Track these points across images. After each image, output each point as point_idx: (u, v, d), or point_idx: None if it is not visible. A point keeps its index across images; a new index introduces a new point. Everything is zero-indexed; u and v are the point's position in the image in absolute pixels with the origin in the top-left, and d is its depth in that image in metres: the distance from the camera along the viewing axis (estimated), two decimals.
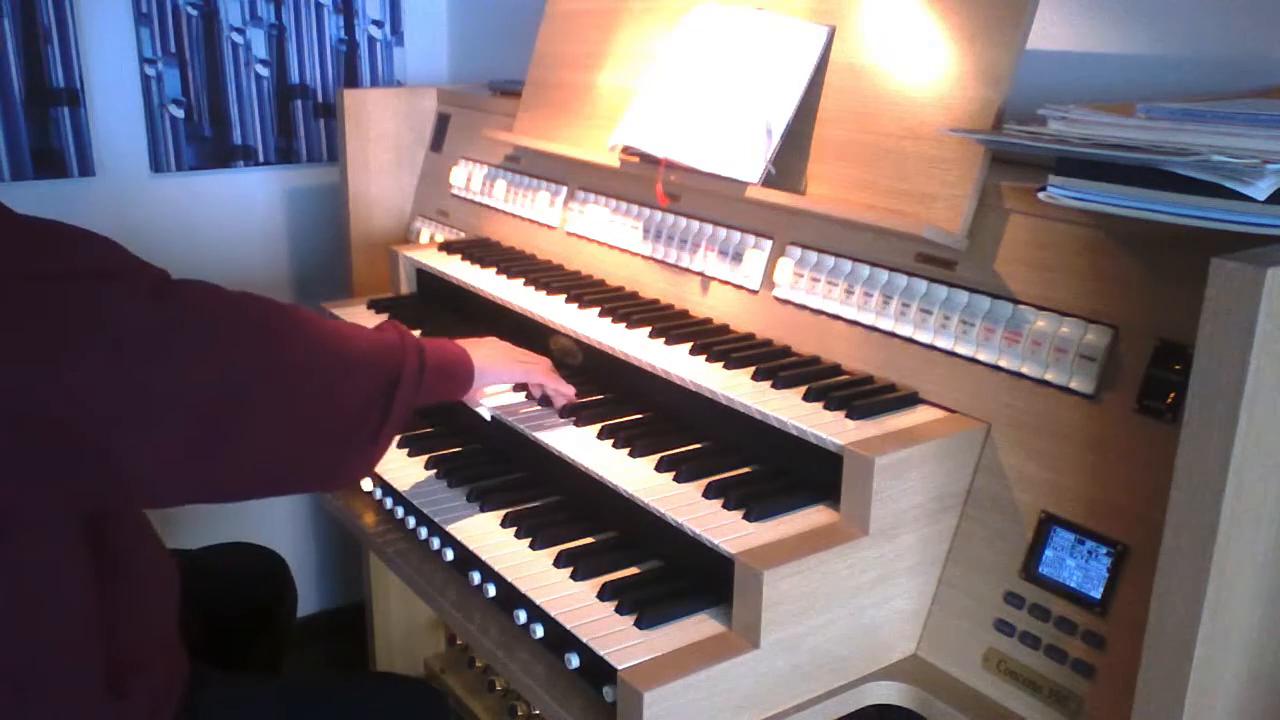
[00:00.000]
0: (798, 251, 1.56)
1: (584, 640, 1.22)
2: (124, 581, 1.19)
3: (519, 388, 1.63)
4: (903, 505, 1.26)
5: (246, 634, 1.69)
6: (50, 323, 0.98)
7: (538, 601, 1.31)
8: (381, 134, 2.48)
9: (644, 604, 1.26)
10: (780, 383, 1.42)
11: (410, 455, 1.73)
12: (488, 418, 1.51)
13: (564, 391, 1.57)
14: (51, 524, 1.10)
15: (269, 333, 1.14)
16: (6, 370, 0.96)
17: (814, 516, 1.29)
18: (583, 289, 1.83)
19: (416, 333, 1.91)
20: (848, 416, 1.33)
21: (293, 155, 2.70)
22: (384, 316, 2.05)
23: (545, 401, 1.60)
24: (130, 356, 1.01)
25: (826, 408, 1.35)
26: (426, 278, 2.15)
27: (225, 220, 2.66)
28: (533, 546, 1.43)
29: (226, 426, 1.08)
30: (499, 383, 1.52)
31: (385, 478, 1.66)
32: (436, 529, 1.52)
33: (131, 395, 1.01)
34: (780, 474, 1.39)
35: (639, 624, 1.24)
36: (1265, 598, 1.06)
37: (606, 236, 1.91)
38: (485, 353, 1.49)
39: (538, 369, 1.55)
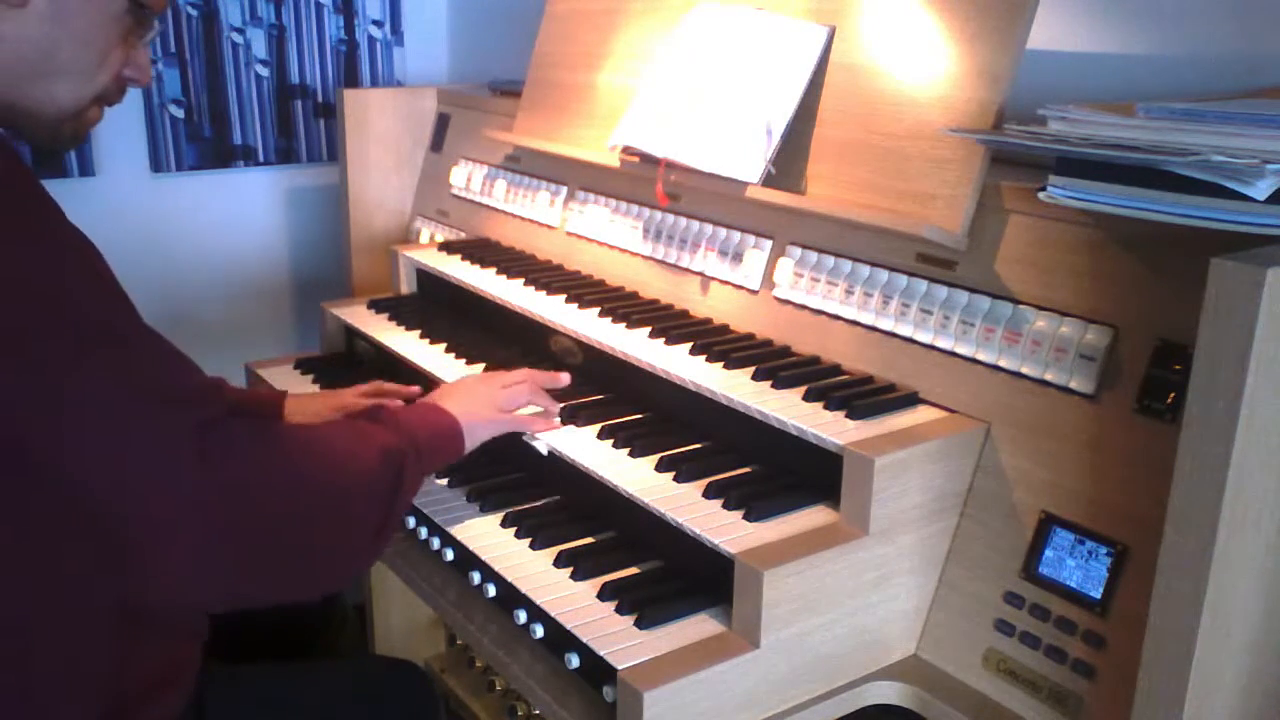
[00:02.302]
0: (798, 251, 1.56)
1: (584, 640, 1.22)
2: (143, 639, 1.20)
3: None
4: (903, 505, 1.26)
5: (295, 646, 1.69)
6: (92, 427, 1.00)
7: (538, 601, 1.31)
8: (381, 134, 2.48)
9: (644, 604, 1.26)
10: (780, 383, 1.42)
11: None
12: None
13: (559, 381, 1.56)
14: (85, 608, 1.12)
15: (296, 484, 1.17)
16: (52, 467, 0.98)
17: (814, 516, 1.29)
18: (583, 289, 1.83)
19: (422, 343, 1.90)
20: (848, 416, 1.33)
21: (293, 155, 2.70)
22: (384, 317, 2.05)
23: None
24: (163, 497, 1.04)
25: (826, 408, 1.35)
26: (427, 278, 2.15)
27: (225, 220, 2.66)
28: (533, 546, 1.43)
29: (248, 561, 1.12)
30: (487, 435, 1.48)
31: None
32: (436, 529, 1.52)
33: (158, 528, 1.04)
34: (780, 474, 1.38)
35: (639, 624, 1.24)
36: (1265, 598, 1.06)
37: (606, 236, 1.91)
38: (466, 407, 1.45)
39: (523, 392, 1.52)
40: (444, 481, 1.63)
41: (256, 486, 1.12)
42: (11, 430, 0.97)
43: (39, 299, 0.98)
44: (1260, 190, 1.01)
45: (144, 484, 1.03)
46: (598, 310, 1.72)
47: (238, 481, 1.10)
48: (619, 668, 1.16)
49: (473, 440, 1.45)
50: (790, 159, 1.56)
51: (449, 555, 1.49)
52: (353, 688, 1.47)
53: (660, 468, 1.40)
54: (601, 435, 1.49)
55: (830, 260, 1.52)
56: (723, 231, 1.69)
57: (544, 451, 1.49)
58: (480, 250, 2.10)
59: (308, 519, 1.18)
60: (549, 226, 2.06)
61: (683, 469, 1.38)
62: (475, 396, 1.49)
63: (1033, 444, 1.26)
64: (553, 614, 1.28)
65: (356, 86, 2.74)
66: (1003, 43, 1.32)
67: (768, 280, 1.61)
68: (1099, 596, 1.18)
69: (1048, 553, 1.23)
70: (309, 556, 1.20)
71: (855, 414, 1.32)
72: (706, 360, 1.51)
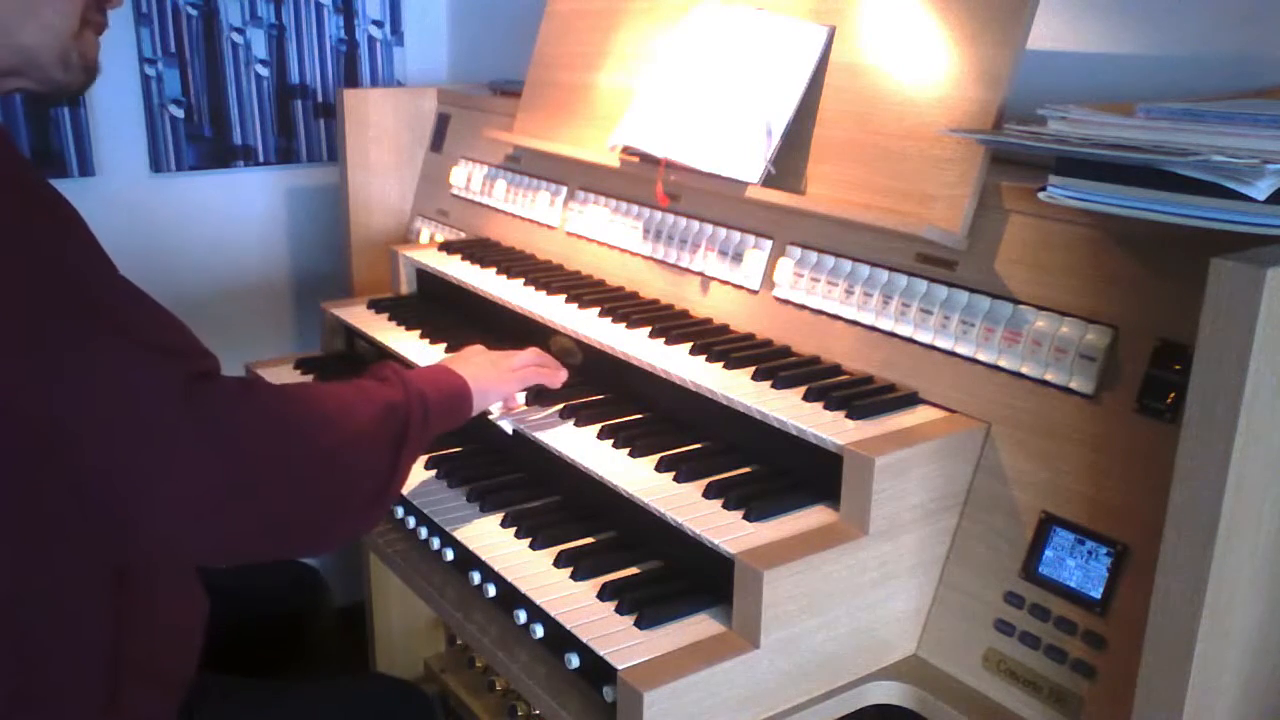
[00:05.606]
0: (798, 251, 1.56)
1: (584, 640, 1.22)
2: (144, 603, 1.20)
3: None
4: (902, 505, 1.26)
5: (281, 645, 1.68)
6: (82, 386, 1.01)
7: (538, 601, 1.31)
8: (381, 134, 2.48)
9: (644, 604, 1.26)
10: (780, 383, 1.42)
11: None
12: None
13: (558, 377, 1.57)
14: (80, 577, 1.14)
15: (284, 433, 1.17)
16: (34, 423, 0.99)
17: (814, 516, 1.29)
18: (583, 289, 1.83)
19: (422, 343, 1.91)
20: (848, 416, 1.33)
21: (293, 155, 2.70)
22: (384, 317, 2.05)
23: (541, 395, 1.59)
24: (150, 444, 1.05)
25: (826, 408, 1.35)
26: (427, 278, 2.15)
27: (225, 220, 2.66)
28: (533, 546, 1.43)
29: (236, 512, 1.12)
30: (497, 400, 1.52)
31: None
32: (436, 529, 1.52)
33: (146, 476, 1.05)
34: (780, 474, 1.39)
35: (639, 624, 1.24)
36: (1265, 598, 1.06)
37: (606, 236, 1.91)
38: (475, 371, 1.47)
39: (528, 371, 1.54)
40: (444, 481, 1.63)
41: (243, 436, 1.12)
42: (8, 397, 0.98)
43: (43, 269, 1.01)
44: (1260, 190, 1.01)
45: (133, 430, 1.04)
46: (598, 310, 1.72)
47: (225, 432, 1.10)
48: (619, 668, 1.16)
49: (481, 403, 1.47)
50: (790, 159, 1.56)
51: (449, 555, 1.49)
52: (351, 710, 1.47)
53: (660, 468, 1.40)
54: (601, 435, 1.49)
55: (830, 260, 1.52)
56: (723, 231, 1.69)
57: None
58: (480, 250, 2.10)
59: (299, 471, 1.17)
60: (549, 226, 2.06)
61: (683, 469, 1.38)
62: (484, 363, 1.51)
63: (1033, 444, 1.26)
64: (553, 614, 1.28)
65: (356, 86, 2.74)
66: (1003, 43, 1.32)
67: (768, 280, 1.61)
68: (1099, 596, 1.18)
69: (1048, 553, 1.23)
70: (303, 510, 1.19)
71: (855, 414, 1.32)
72: (706, 360, 1.51)
